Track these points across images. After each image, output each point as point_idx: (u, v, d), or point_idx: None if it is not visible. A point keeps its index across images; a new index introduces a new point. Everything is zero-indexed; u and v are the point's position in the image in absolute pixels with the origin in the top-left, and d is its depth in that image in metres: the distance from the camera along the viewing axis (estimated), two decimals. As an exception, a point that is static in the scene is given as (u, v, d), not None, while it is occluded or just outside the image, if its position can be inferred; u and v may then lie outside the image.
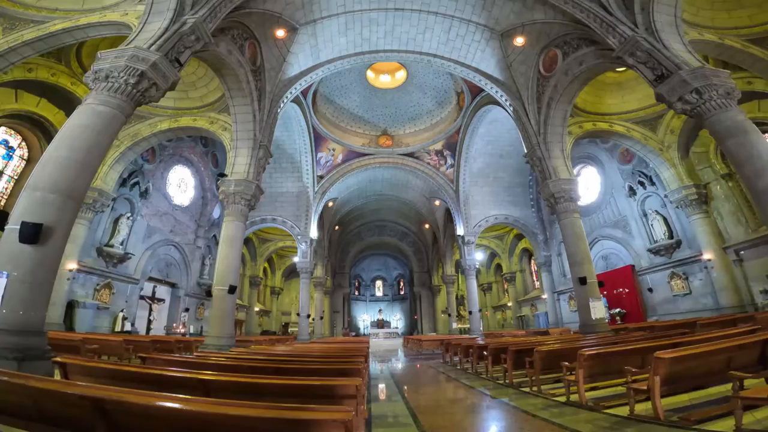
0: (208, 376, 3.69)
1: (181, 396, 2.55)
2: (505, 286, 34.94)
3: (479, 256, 27.75)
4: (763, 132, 12.57)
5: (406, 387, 8.06)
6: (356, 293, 50.90)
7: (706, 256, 15.86)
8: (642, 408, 4.40)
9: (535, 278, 31.27)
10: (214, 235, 23.96)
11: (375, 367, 12.11)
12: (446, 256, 32.42)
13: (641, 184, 19.19)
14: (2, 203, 14.01)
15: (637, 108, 17.15)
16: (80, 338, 9.32)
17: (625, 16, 10.33)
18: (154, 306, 19.54)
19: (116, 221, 17.46)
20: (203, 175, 23.58)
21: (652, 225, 18.61)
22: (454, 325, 29.67)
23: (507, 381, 7.33)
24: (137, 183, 18.56)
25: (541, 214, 26.39)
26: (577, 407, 5.07)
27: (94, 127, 7.29)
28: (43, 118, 14.51)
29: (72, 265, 14.63)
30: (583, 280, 12.26)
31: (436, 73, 22.18)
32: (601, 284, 12.92)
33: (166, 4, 9.10)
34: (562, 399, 5.53)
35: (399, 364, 13.74)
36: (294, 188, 24.89)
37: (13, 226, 5.96)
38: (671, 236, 17.76)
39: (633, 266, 19.86)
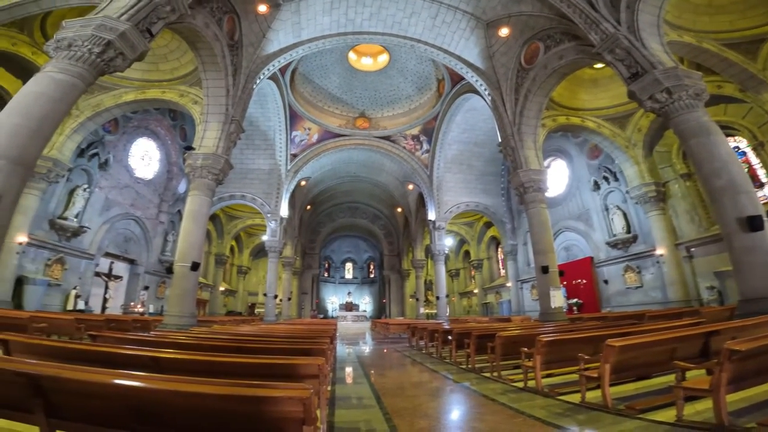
0: (162, 354, 3.52)
1: (125, 372, 2.39)
2: (472, 273, 35.85)
3: (449, 242, 28.21)
4: (727, 136, 13.30)
5: (371, 370, 8.13)
6: (326, 275, 50.75)
7: (659, 251, 16.82)
8: (593, 395, 4.58)
9: (501, 266, 32.22)
10: (179, 211, 23.01)
11: (342, 349, 12.15)
12: (416, 241, 32.77)
13: (606, 179, 19.97)
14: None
15: (608, 105, 17.66)
16: (28, 316, 8.75)
17: (610, 13, 10.49)
18: (111, 283, 18.65)
19: (71, 193, 16.40)
20: (170, 149, 22.45)
21: (612, 219, 19.47)
22: (422, 310, 30.25)
23: (469, 366, 7.50)
24: (96, 154, 17.46)
25: (510, 204, 27.07)
26: (533, 393, 5.23)
27: (51, 95, 6.95)
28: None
29: (22, 238, 13.67)
30: (545, 269, 12.73)
31: (419, 59, 21.97)
32: (561, 274, 13.49)
33: (142, -28, 8.46)
34: (520, 384, 5.69)
35: (366, 347, 13.87)
36: (266, 165, 24.24)
37: None
38: (629, 231, 18.67)
39: (592, 258, 20.81)
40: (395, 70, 23.58)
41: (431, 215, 25.71)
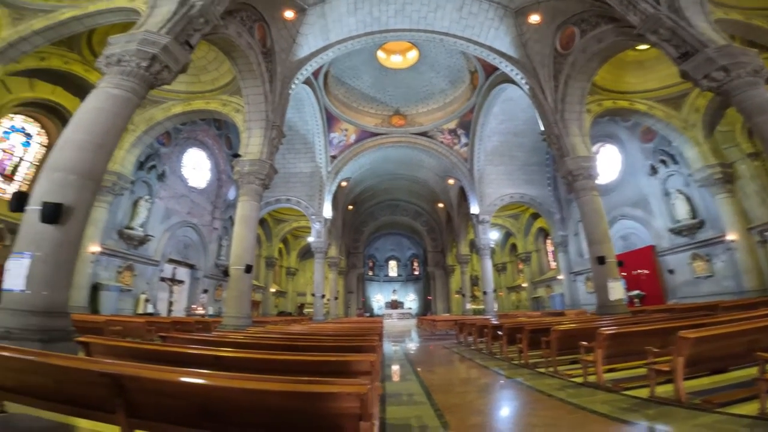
0: (223, 352, 3.73)
1: (196, 371, 2.54)
2: (520, 267, 34.73)
3: (494, 236, 27.47)
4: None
5: (420, 367, 8.11)
6: (370, 273, 51.33)
7: (730, 236, 15.32)
8: (662, 390, 4.30)
9: (551, 258, 30.96)
10: (230, 216, 24.25)
11: (389, 347, 12.21)
12: (460, 236, 32.27)
13: (663, 162, 18.57)
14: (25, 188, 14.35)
15: (658, 86, 16.63)
16: (104, 320, 9.54)
17: (647, -8, 9.96)
18: (175, 288, 20.00)
19: (135, 204, 17.73)
20: (218, 158, 23.77)
21: (674, 204, 18.01)
22: (468, 306, 29.76)
23: (522, 361, 7.31)
24: (154, 166, 18.77)
25: (558, 193, 25.93)
26: (594, 388, 5.00)
27: (110, 110, 7.32)
28: (59, 105, 14.67)
29: (95, 247, 14.97)
30: (601, 260, 12.05)
31: (449, 52, 21.70)
32: (620, 264, 12.73)
33: (173, -13, 8.73)
34: (579, 380, 5.46)
35: (413, 344, 13.86)
36: (307, 168, 24.92)
37: (34, 206, 6.02)
38: (694, 216, 17.18)
39: (654, 247, 19.38)
40: (426, 65, 23.39)
41: (474, 209, 25.25)
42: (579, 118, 14.37)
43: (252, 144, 13.86)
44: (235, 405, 2.36)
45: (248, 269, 12.15)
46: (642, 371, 4.78)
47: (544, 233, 31.04)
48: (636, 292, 19.70)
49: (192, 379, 2.36)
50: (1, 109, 13.35)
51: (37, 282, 5.75)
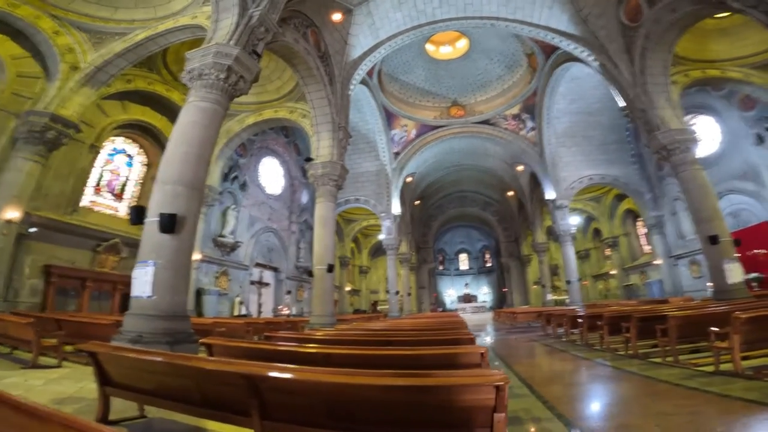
0: (331, 349, 3.91)
1: (326, 369, 2.54)
2: (607, 253, 32.06)
3: (574, 221, 25.64)
4: None
5: (511, 360, 7.80)
6: (441, 268, 50.77)
7: None
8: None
9: (643, 242, 28.17)
10: (305, 220, 25.59)
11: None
12: (535, 224, 30.60)
13: (769, 130, 16.18)
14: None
15: (752, 53, 15.14)
16: (211, 322, 10.48)
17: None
18: (263, 290, 21.53)
19: (224, 213, 19.31)
20: (289, 164, 25.18)
21: (791, 173, 15.46)
22: (549, 297, 28.15)
23: (630, 352, 6.75)
24: (236, 177, 20.30)
25: (647, 171, 23.49)
26: (730, 376, 4.48)
27: (202, 123, 7.69)
28: (150, 124, 16.01)
29: (196, 255, 16.38)
30: (713, 239, 10.70)
31: (500, 37, 20.89)
32: (737, 243, 11.22)
33: (230, 0, 8.92)
34: (710, 368, 4.92)
35: (494, 338, 13.41)
36: (372, 167, 25.30)
37: (152, 218, 6.62)
38: (820, 184, 14.51)
39: (773, 221, 16.70)
40: (478, 52, 22.69)
41: (549, 194, 23.97)
42: (665, 90, 13.23)
43: (322, 147, 14.38)
44: (362, 401, 2.32)
45: (330, 269, 12.63)
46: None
47: (633, 215, 28.31)
48: (754, 274, 17.03)
49: (323, 377, 2.35)
50: (103, 133, 14.71)
51: (161, 287, 6.29)
